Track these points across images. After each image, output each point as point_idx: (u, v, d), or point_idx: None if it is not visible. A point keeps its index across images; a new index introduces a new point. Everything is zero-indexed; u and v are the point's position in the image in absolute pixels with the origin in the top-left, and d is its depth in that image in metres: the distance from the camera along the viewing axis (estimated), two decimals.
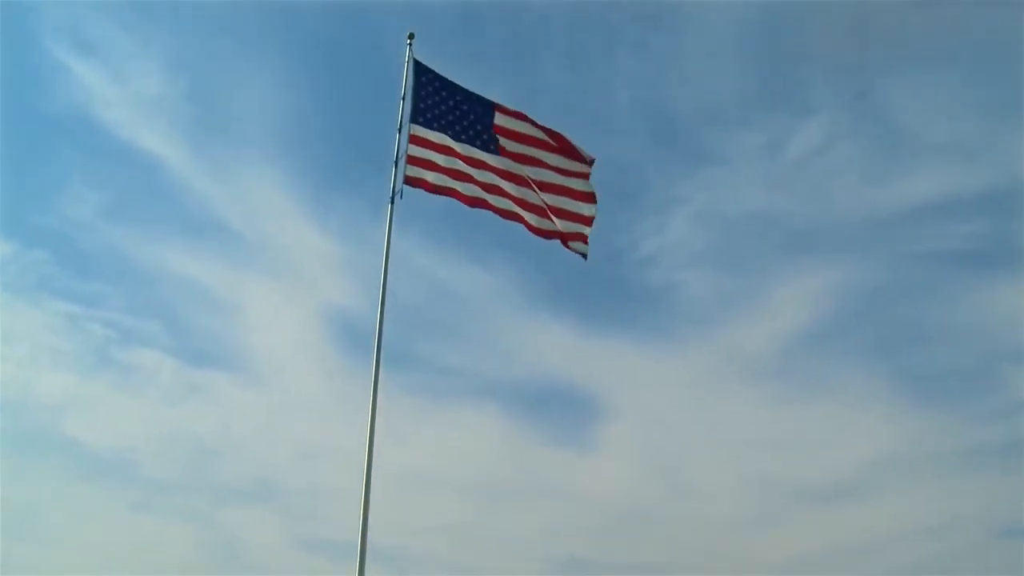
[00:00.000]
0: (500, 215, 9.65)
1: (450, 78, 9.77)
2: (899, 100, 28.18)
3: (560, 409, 25.77)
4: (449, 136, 9.58)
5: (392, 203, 9.15)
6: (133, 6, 26.09)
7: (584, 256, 9.71)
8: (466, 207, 9.62)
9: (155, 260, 26.37)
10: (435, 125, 9.57)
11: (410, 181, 9.32)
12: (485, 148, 9.63)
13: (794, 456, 24.00)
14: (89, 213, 26.23)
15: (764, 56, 29.20)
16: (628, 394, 26.12)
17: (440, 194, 9.51)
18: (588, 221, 9.71)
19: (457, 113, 9.66)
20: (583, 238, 9.67)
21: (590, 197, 9.74)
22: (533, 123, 9.72)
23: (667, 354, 27.61)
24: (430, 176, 9.46)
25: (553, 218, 9.63)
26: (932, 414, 24.42)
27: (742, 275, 28.71)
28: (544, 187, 9.67)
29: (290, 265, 27.47)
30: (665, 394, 26.49)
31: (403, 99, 9.57)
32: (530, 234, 9.75)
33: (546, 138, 9.73)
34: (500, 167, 9.65)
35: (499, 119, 9.69)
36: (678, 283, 29.29)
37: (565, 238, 9.70)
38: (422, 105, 9.56)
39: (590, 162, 9.81)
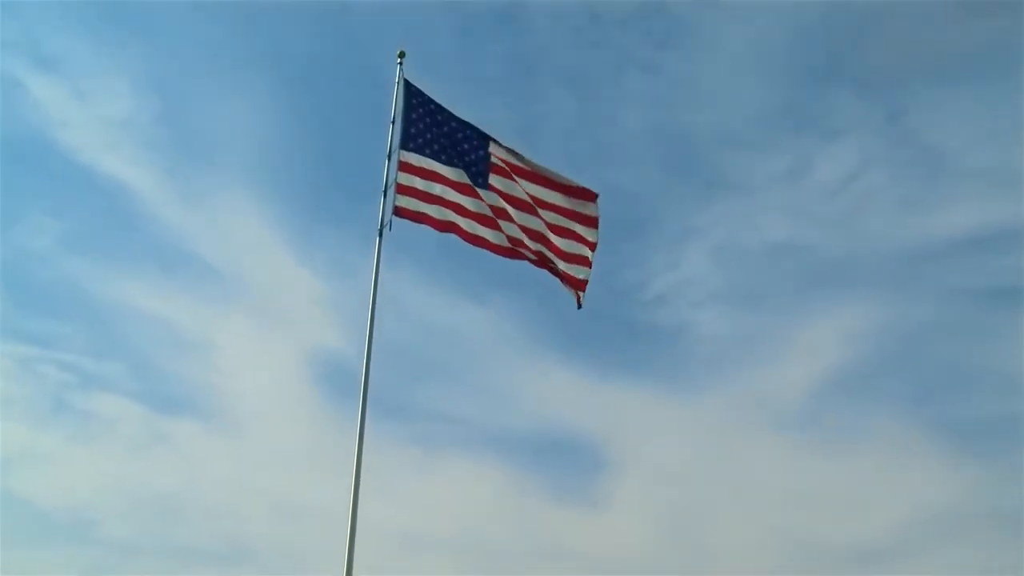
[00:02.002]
0: (496, 252, 9.80)
1: (445, 102, 10.03)
2: (936, 121, 28.59)
3: (565, 462, 25.65)
4: (442, 163, 9.79)
5: (380, 235, 9.31)
6: (99, 18, 26.54)
7: (579, 305, 9.74)
8: (462, 240, 9.77)
9: (120, 296, 26.57)
10: (427, 151, 9.77)
11: (400, 212, 9.49)
12: (478, 179, 9.83)
13: (823, 514, 23.81)
14: (46, 244, 26.49)
15: (787, 75, 29.74)
16: (639, 445, 26.06)
17: (432, 226, 9.67)
18: (587, 263, 9.70)
19: (451, 139, 9.87)
20: (581, 285, 9.69)
21: (591, 244, 9.74)
22: (527, 162, 9.87)
23: (682, 401, 27.60)
24: (422, 206, 9.63)
25: (553, 257, 9.77)
26: (976, 467, 24.31)
27: (764, 314, 28.89)
28: (542, 227, 9.81)
29: (269, 303, 27.62)
30: (680, 445, 26.39)
31: (393, 123, 9.79)
32: (532, 268, 9.89)
33: (543, 174, 9.85)
34: (494, 200, 9.83)
35: (493, 151, 9.88)
36: (694, 323, 29.46)
37: (564, 278, 9.82)
38: (413, 130, 9.77)
39: (594, 198, 9.84)
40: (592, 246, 9.70)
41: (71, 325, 26.17)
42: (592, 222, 9.74)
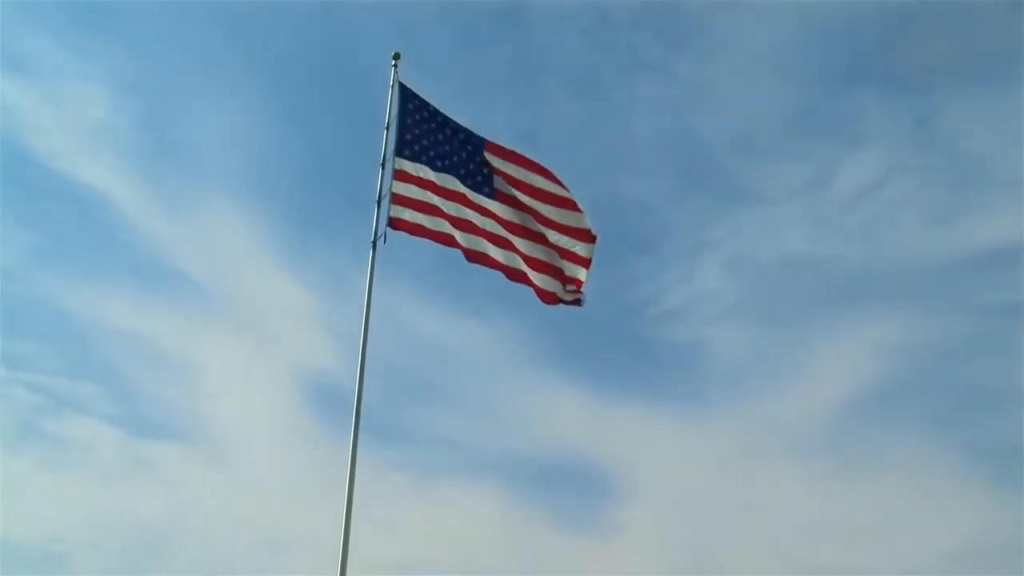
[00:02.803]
0: (495, 268, 9.73)
1: (442, 107, 9.99)
2: (967, 126, 28.28)
3: (571, 488, 25.41)
4: (439, 172, 9.72)
5: (374, 248, 9.24)
6: (74, 15, 26.43)
7: (580, 303, 9.74)
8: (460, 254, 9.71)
9: (96, 313, 26.34)
10: (423, 159, 9.70)
11: (394, 223, 9.41)
12: (478, 189, 9.78)
13: (846, 544, 23.56)
14: (16, 258, 26.08)
15: (807, 79, 29.67)
16: (650, 470, 25.84)
17: (429, 238, 9.58)
18: (578, 284, 9.72)
19: (448, 146, 9.82)
20: (576, 283, 9.69)
21: (585, 262, 9.75)
22: (526, 163, 9.85)
23: (696, 423, 27.33)
24: (418, 217, 9.56)
25: (549, 276, 9.75)
26: (1008, 495, 24.10)
27: (783, 331, 28.64)
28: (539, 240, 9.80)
29: (256, 319, 27.40)
30: (694, 471, 26.14)
31: (387, 129, 9.74)
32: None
33: (541, 186, 9.82)
34: (495, 211, 9.80)
35: (490, 158, 9.86)
36: (707, 341, 29.23)
37: (562, 300, 9.78)
38: (408, 136, 9.70)
39: (592, 237, 9.83)
40: (585, 262, 9.71)
41: (43, 344, 25.62)
42: (586, 236, 9.77)
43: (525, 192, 9.81)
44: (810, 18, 27.51)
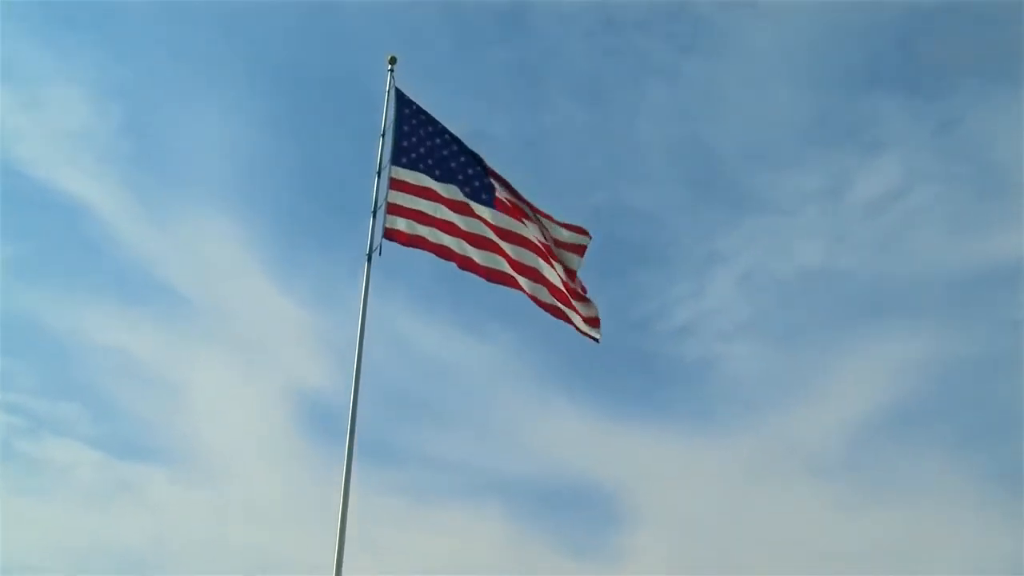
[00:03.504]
0: (498, 281, 9.73)
1: (441, 113, 10.05)
2: (993, 131, 27.99)
3: (576, 512, 25.31)
4: (437, 180, 9.74)
5: (369, 260, 9.23)
6: (51, 19, 26.34)
7: (596, 339, 9.72)
8: (457, 267, 9.72)
9: (77, 329, 26.20)
10: (420, 167, 9.72)
11: (390, 234, 9.42)
12: (477, 198, 9.78)
13: (864, 571, 23.47)
14: None
15: (822, 82, 29.60)
16: (659, 493, 25.78)
17: (426, 250, 9.59)
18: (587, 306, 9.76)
19: (446, 152, 9.84)
20: (594, 322, 9.68)
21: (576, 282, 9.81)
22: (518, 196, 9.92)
23: (706, 444, 27.26)
24: (415, 228, 9.56)
25: (560, 290, 9.73)
26: None
27: (798, 348, 28.63)
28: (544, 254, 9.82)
29: (246, 335, 27.44)
30: (704, 494, 26.06)
31: (383, 136, 9.77)
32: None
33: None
34: (495, 223, 9.79)
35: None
36: (719, 358, 29.19)
37: (573, 318, 9.75)
38: (405, 143, 9.73)
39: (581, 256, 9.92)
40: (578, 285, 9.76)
41: (20, 362, 25.41)
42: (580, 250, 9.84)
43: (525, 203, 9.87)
44: (825, 18, 27.55)
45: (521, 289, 9.73)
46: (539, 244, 9.76)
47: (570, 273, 9.76)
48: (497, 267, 9.73)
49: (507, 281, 9.75)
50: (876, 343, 27.82)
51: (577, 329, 9.68)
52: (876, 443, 26.19)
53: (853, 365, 27.76)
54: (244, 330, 27.45)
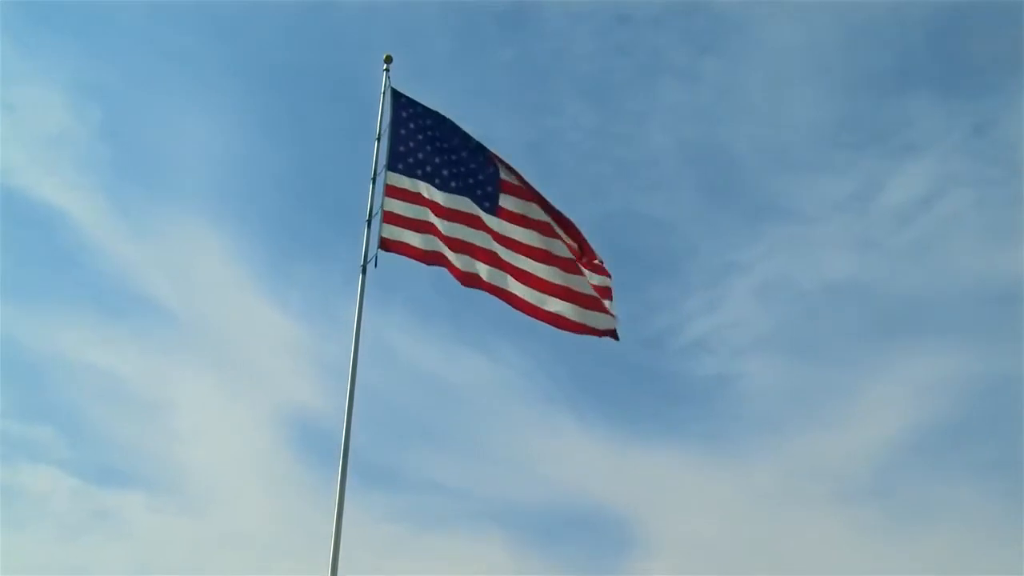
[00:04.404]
0: (498, 296, 9.68)
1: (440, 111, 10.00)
2: None
3: (585, 541, 25.20)
4: (437, 187, 9.71)
5: (364, 272, 9.22)
6: (27, 11, 26.10)
7: (615, 335, 9.68)
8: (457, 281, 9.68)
9: (51, 346, 26.07)
10: (418, 172, 9.69)
11: (386, 244, 9.39)
12: (481, 204, 9.76)
13: None
14: None
15: (849, 81, 29.56)
16: (675, 521, 25.63)
17: (425, 262, 9.56)
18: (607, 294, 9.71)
19: (448, 157, 9.81)
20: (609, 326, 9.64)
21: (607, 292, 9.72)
22: (536, 194, 9.87)
23: (724, 468, 27.15)
24: (413, 238, 9.53)
25: (574, 304, 9.69)
26: None
27: (823, 365, 28.52)
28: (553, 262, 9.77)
29: (234, 352, 27.52)
30: (723, 521, 25.93)
31: (378, 140, 9.77)
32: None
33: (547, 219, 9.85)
34: (502, 232, 9.77)
35: (501, 173, 9.88)
36: (738, 375, 29.13)
37: (591, 331, 9.72)
38: (402, 147, 9.70)
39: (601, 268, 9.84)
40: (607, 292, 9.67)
41: None
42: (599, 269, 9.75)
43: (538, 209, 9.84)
44: (853, 14, 27.47)
45: (524, 310, 9.69)
46: (549, 252, 9.74)
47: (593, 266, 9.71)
48: (502, 284, 9.69)
49: (513, 301, 9.68)
50: (906, 360, 27.86)
51: (592, 332, 9.64)
52: (906, 467, 26.11)
53: (882, 384, 27.65)
54: (231, 346, 27.56)
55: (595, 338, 9.70)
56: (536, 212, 9.84)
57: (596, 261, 9.75)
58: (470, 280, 9.63)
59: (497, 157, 9.89)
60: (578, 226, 9.88)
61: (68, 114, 27.29)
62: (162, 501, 24.51)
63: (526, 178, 9.89)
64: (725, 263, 30.34)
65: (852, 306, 28.89)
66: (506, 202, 9.83)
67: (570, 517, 25.45)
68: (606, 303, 9.62)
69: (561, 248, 9.78)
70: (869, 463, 26.42)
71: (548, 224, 9.80)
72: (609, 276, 9.74)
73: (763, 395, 28.28)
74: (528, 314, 9.67)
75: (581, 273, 9.71)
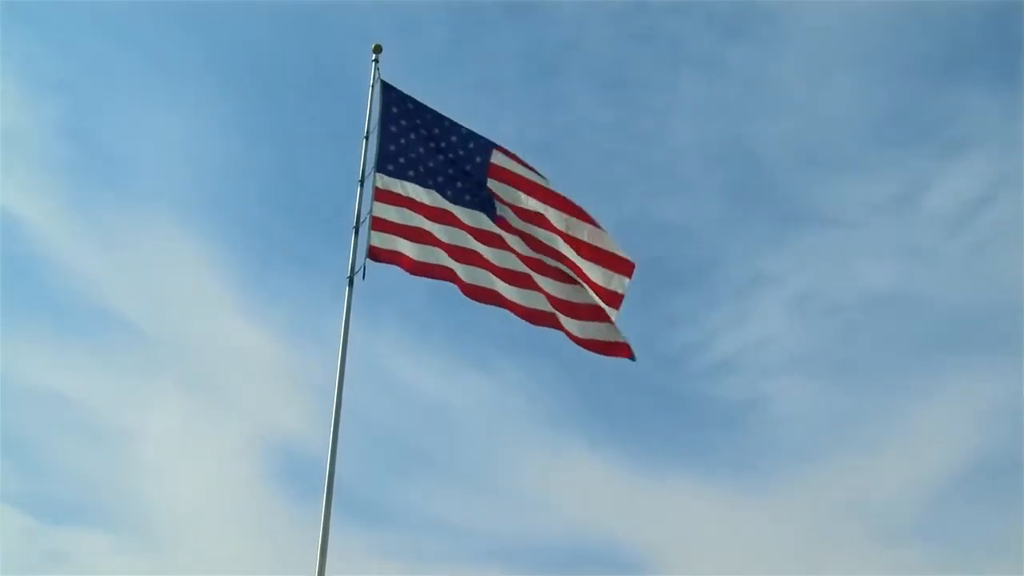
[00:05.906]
0: (504, 307, 9.73)
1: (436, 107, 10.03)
2: None
3: None
4: (430, 190, 9.77)
5: (351, 284, 9.24)
6: None
7: (630, 353, 9.66)
8: (459, 292, 9.71)
9: (6, 367, 26.11)
10: (410, 174, 9.74)
11: (376, 253, 9.42)
12: (480, 207, 9.80)
13: None
14: None
15: (893, 72, 29.55)
16: (697, 559, 25.59)
17: (417, 274, 9.60)
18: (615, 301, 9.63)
19: (441, 157, 9.86)
20: (618, 348, 9.63)
21: (617, 298, 9.62)
22: (537, 175, 9.85)
23: (753, 502, 27.07)
24: (405, 246, 9.57)
25: (584, 320, 9.70)
26: None
27: (862, 388, 28.50)
28: (558, 267, 9.78)
29: (209, 373, 27.54)
30: (749, 559, 25.86)
31: (366, 139, 9.81)
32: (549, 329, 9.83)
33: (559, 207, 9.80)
34: (503, 239, 9.82)
35: (497, 159, 9.85)
36: (767, 398, 29.15)
37: (597, 346, 9.72)
38: (392, 147, 9.74)
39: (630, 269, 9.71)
40: (616, 299, 9.57)
41: None
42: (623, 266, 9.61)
43: (545, 209, 9.80)
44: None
45: (531, 320, 9.74)
46: (559, 267, 9.75)
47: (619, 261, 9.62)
48: (508, 295, 9.73)
49: (527, 315, 9.74)
50: (956, 382, 27.78)
51: (604, 349, 9.65)
52: (957, 503, 25.90)
53: (928, 408, 27.77)
54: (205, 367, 27.57)
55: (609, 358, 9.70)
56: (529, 204, 9.79)
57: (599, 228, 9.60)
58: (473, 291, 9.67)
59: (495, 147, 9.89)
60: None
61: (21, 110, 27.21)
62: (126, 541, 24.39)
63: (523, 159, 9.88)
64: (753, 273, 30.52)
65: (895, 321, 28.98)
66: (503, 212, 9.82)
67: (581, 555, 25.40)
68: (609, 310, 9.57)
69: (557, 242, 9.72)
70: (915, 499, 26.46)
71: (540, 215, 9.74)
72: (627, 261, 9.56)
73: (796, 421, 28.33)
74: (544, 325, 9.74)
75: (576, 282, 9.71)
